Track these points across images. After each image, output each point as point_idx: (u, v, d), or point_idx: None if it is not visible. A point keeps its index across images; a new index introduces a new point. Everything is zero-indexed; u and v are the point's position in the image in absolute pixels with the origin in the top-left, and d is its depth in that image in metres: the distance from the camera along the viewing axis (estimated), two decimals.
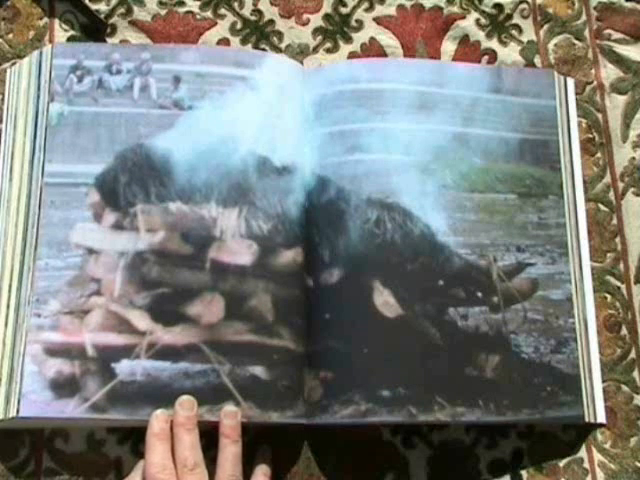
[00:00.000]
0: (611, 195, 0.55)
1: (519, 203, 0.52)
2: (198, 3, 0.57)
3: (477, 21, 0.58)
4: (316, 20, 0.57)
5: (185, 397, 0.45)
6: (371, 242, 0.50)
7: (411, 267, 0.50)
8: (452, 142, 0.52)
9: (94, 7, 0.55)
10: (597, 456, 0.50)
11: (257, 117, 0.51)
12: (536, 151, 0.53)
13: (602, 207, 0.55)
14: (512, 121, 0.53)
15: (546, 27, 0.58)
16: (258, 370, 0.47)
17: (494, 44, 0.57)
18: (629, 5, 0.59)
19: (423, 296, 0.49)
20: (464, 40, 0.57)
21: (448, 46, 0.57)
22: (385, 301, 0.48)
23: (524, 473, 0.50)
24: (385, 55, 0.57)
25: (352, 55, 0.57)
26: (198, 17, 0.56)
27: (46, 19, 0.56)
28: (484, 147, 0.53)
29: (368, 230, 0.50)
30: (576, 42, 0.58)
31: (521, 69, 0.56)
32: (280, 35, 0.57)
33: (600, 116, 0.57)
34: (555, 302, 0.50)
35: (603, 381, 0.51)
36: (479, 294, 0.50)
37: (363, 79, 0.52)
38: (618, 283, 0.54)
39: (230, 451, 0.45)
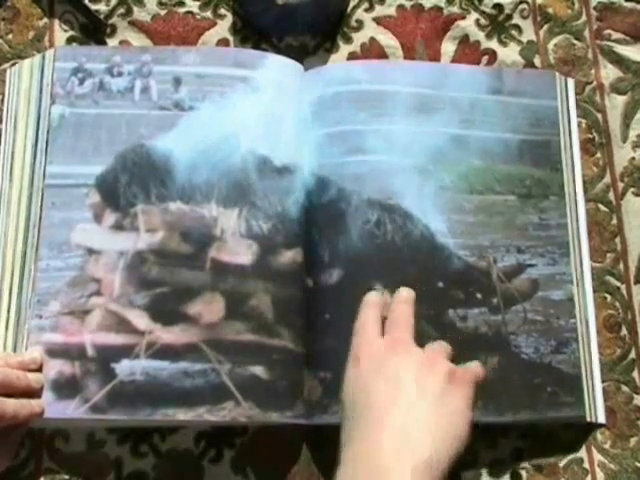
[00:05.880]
0: (611, 195, 0.55)
1: (519, 204, 0.52)
2: (198, 3, 0.57)
3: (477, 21, 0.58)
4: None
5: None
6: (371, 243, 0.50)
7: (411, 268, 0.50)
8: (451, 144, 0.52)
9: (94, 7, 0.56)
10: (597, 456, 0.50)
11: (257, 117, 0.51)
12: (537, 152, 0.53)
13: (602, 207, 0.55)
14: (512, 122, 0.53)
15: (546, 27, 0.58)
16: (258, 370, 0.47)
17: (494, 44, 0.57)
18: (629, 5, 0.59)
19: (422, 297, 0.49)
20: (464, 40, 0.57)
21: (448, 46, 0.57)
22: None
23: (524, 473, 0.50)
24: (385, 55, 0.57)
25: (352, 55, 0.57)
26: (198, 17, 0.56)
27: (46, 19, 0.56)
28: (483, 148, 0.52)
29: (368, 231, 0.50)
30: (576, 42, 0.58)
31: (521, 70, 0.56)
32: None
33: (600, 116, 0.57)
34: (556, 302, 0.50)
35: (603, 381, 0.51)
36: (479, 295, 0.50)
37: (362, 80, 0.52)
38: (618, 283, 0.54)
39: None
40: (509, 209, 0.52)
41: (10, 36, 0.55)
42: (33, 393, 0.45)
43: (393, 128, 0.52)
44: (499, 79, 0.54)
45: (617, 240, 0.54)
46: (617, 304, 0.53)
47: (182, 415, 0.45)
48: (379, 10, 0.58)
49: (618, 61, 0.58)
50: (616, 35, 0.58)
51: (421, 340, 0.47)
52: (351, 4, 0.57)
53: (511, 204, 0.52)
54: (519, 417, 0.48)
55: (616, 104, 0.57)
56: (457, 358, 0.48)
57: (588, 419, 0.49)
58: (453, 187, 0.51)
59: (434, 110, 0.53)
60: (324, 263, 0.49)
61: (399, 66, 0.55)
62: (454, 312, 0.49)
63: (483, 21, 0.58)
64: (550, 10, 0.58)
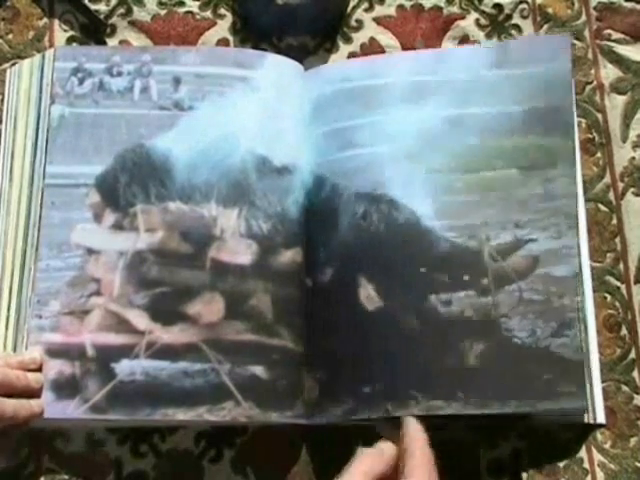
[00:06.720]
0: (611, 195, 0.55)
1: (520, 177, 0.49)
2: (198, 3, 0.57)
3: (477, 21, 0.58)
4: None
5: None
6: (358, 236, 0.49)
7: (394, 257, 0.48)
8: (444, 126, 0.50)
9: (94, 7, 0.56)
10: (597, 456, 0.50)
11: (257, 117, 0.51)
12: (545, 119, 0.50)
13: (602, 207, 0.55)
14: (517, 94, 0.50)
15: (546, 27, 0.58)
16: (258, 370, 0.47)
17: None
18: (629, 5, 0.59)
19: (404, 286, 0.47)
20: (464, 40, 0.57)
21: (448, 46, 0.57)
22: (368, 295, 0.48)
23: (523, 473, 0.50)
24: None
25: (352, 55, 0.57)
26: (198, 17, 0.56)
27: (46, 19, 0.56)
28: (482, 126, 0.50)
29: (355, 224, 0.49)
30: (576, 42, 0.58)
31: (533, 37, 0.55)
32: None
33: (600, 116, 0.57)
34: (559, 279, 0.47)
35: (603, 381, 0.51)
36: (466, 277, 0.48)
37: (358, 77, 0.52)
38: (618, 283, 0.54)
39: None
40: (508, 184, 0.49)
41: (10, 36, 0.55)
42: (33, 393, 0.45)
43: (383, 118, 0.51)
44: (504, 52, 0.52)
45: (617, 240, 0.54)
46: (617, 304, 0.53)
47: (182, 415, 0.45)
48: (379, 10, 0.58)
49: (618, 61, 0.58)
50: (616, 35, 0.58)
51: (401, 330, 0.46)
52: (351, 4, 0.57)
53: (511, 178, 0.49)
54: (505, 409, 0.45)
55: (616, 104, 0.57)
56: (438, 346, 0.46)
57: (586, 419, 0.49)
58: (443, 169, 0.49)
59: (428, 94, 0.51)
60: (320, 262, 0.49)
61: (395, 57, 0.54)
62: (436, 297, 0.47)
63: (483, 21, 0.58)
64: (550, 10, 0.58)
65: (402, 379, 0.46)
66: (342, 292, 0.48)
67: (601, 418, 0.50)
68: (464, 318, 0.47)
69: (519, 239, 0.48)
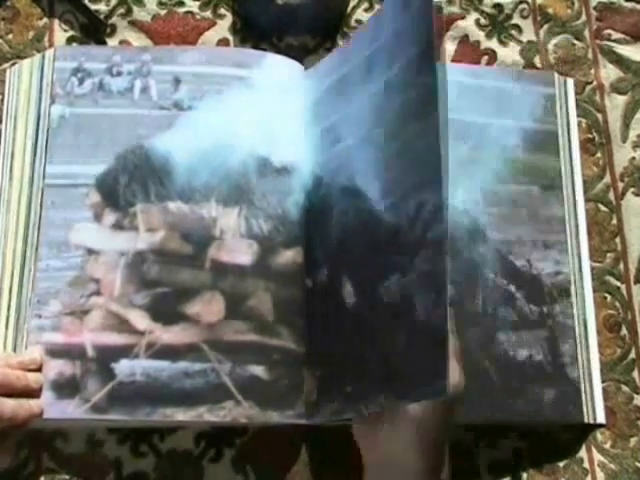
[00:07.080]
0: (611, 195, 0.55)
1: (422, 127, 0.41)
2: (198, 3, 0.57)
3: (477, 21, 0.58)
4: None
5: None
6: (342, 232, 0.48)
7: (360, 249, 0.47)
8: (383, 92, 0.46)
9: (94, 7, 0.56)
10: (597, 456, 0.50)
11: (256, 117, 0.51)
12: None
13: (602, 207, 0.55)
14: None
15: (546, 27, 0.58)
16: (258, 370, 0.47)
17: (494, 44, 0.57)
18: (629, 5, 0.59)
19: (365, 277, 0.46)
20: (464, 40, 0.57)
21: (448, 46, 0.57)
22: (348, 292, 0.47)
23: (524, 473, 0.50)
24: None
25: None
26: (198, 17, 0.56)
27: (46, 19, 0.56)
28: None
29: (339, 221, 0.48)
30: (576, 42, 0.58)
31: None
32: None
33: (600, 116, 0.57)
34: (433, 243, 0.40)
35: (603, 381, 0.51)
36: (397, 258, 0.43)
37: (337, 66, 0.51)
38: (618, 283, 0.54)
39: None
40: (412, 141, 0.43)
41: (10, 36, 0.55)
42: (32, 393, 0.45)
43: (352, 105, 0.49)
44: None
45: (617, 240, 0.54)
46: (617, 304, 0.53)
47: (182, 415, 0.45)
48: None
49: (618, 61, 0.58)
50: (616, 35, 0.58)
51: (367, 326, 0.45)
52: (351, 4, 0.58)
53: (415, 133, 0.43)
54: (404, 402, 0.41)
55: (616, 104, 0.57)
56: (385, 340, 0.43)
57: (586, 420, 0.49)
58: (381, 141, 0.46)
59: (375, 65, 0.47)
60: (318, 262, 0.49)
61: (356, 36, 0.52)
62: (381, 286, 0.44)
63: (483, 21, 0.58)
64: (550, 10, 0.58)
65: (367, 376, 0.44)
66: (332, 291, 0.48)
67: (601, 418, 0.50)
68: (393, 306, 0.43)
69: (442, 202, 0.40)
